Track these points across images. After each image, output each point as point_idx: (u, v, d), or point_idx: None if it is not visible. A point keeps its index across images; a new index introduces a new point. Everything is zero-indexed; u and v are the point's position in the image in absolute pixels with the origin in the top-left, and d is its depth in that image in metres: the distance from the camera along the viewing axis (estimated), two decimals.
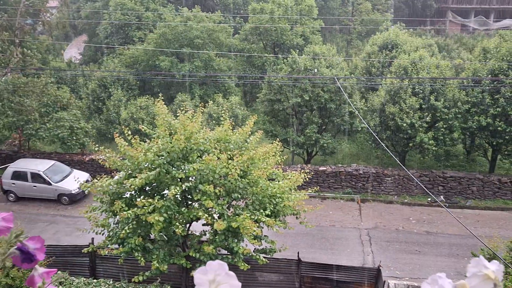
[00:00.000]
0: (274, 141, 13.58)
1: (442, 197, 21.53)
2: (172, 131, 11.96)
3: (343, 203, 21.62)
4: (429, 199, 21.37)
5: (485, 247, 11.00)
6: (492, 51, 21.45)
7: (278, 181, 12.59)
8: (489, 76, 20.54)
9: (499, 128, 20.04)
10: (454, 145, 22.60)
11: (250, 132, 12.88)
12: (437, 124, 20.84)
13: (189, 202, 12.17)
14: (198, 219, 11.72)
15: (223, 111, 14.13)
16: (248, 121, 13.20)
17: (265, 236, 12.51)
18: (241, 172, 11.45)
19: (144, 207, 10.67)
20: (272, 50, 30.16)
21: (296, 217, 13.09)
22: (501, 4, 58.30)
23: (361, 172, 22.01)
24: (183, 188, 11.00)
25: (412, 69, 21.12)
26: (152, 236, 11.82)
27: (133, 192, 11.74)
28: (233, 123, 13.80)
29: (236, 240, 11.56)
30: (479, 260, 1.27)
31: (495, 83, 20.24)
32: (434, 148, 20.68)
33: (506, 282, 10.29)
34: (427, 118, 20.44)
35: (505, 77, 19.95)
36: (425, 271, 16.11)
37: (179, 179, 11.29)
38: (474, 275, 1.22)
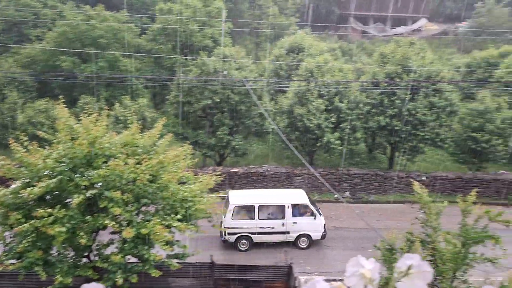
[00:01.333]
0: (184, 144, 13.36)
1: (347, 193, 22.68)
2: (75, 136, 11.26)
3: None
4: (336, 195, 22.39)
5: (385, 238, 11.70)
6: (389, 56, 23.02)
7: (190, 185, 12.39)
8: (387, 79, 22.01)
9: (396, 128, 21.55)
10: (357, 144, 23.89)
11: (159, 135, 12.55)
12: (341, 125, 21.89)
13: (95, 210, 11.54)
14: (105, 227, 11.16)
15: (130, 114, 13.62)
16: (157, 124, 12.85)
17: (177, 241, 12.24)
18: (150, 176, 11.09)
19: (44, 218, 9.92)
20: (181, 51, 29.76)
21: (209, 221, 12.98)
22: (396, 12, 62.91)
23: (272, 172, 22.46)
24: (88, 195, 10.40)
25: (317, 72, 21.98)
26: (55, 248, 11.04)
27: (32, 202, 10.86)
28: (142, 126, 13.36)
29: (146, 247, 11.17)
30: (357, 260, 1.32)
31: (392, 85, 21.74)
32: (339, 147, 21.71)
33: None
34: (333, 119, 21.39)
35: (400, 80, 21.50)
36: (333, 265, 16.81)
37: (83, 187, 10.65)
38: (352, 275, 1.23)
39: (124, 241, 11.13)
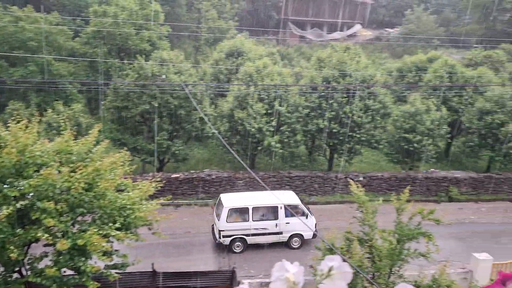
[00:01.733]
0: (122, 150, 12.98)
1: None
2: (2, 144, 10.61)
3: (197, 209, 21.68)
4: None
5: (325, 238, 11.97)
6: (326, 61, 23.65)
7: (128, 192, 12.03)
8: (324, 83, 22.60)
9: (334, 130, 22.17)
10: (298, 147, 24.33)
11: (95, 142, 12.10)
12: (282, 128, 22.19)
13: (27, 222, 10.91)
14: (37, 240, 10.58)
15: (64, 120, 13.04)
16: (92, 130, 12.39)
17: (116, 250, 11.84)
18: (86, 185, 10.66)
19: None
20: (117, 55, 28.93)
21: (149, 228, 12.67)
22: (332, 18, 64.83)
23: (214, 177, 22.34)
24: (18, 207, 9.82)
25: (257, 76, 22.16)
26: None
27: None
28: (76, 133, 12.83)
29: (83, 259, 10.70)
30: (282, 264, 1.33)
31: (329, 89, 22.35)
32: (280, 150, 21.99)
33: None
34: (273, 123, 21.64)
35: (337, 84, 22.15)
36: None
37: (12, 198, 10.05)
38: (277, 279, 1.25)
39: (59, 253, 10.62)
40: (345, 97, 22.15)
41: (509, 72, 32.88)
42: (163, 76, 20.96)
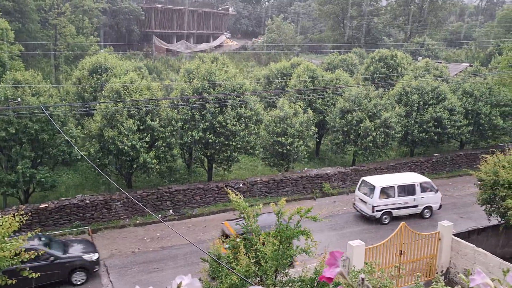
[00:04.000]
0: None
1: (171, 211, 22.49)
2: None
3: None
4: (160, 215, 22.01)
5: (209, 250, 11.87)
6: (194, 72, 23.68)
7: None
8: (195, 94, 22.59)
9: (210, 140, 22.24)
10: (175, 161, 23.91)
11: None
12: (156, 143, 21.64)
13: None
14: None
15: None
16: None
17: None
18: None
19: None
20: None
21: (17, 268, 11.37)
22: (198, 29, 65.45)
23: (88, 201, 20.93)
24: None
25: (125, 92, 21.33)
26: None
27: None
28: None
29: None
30: (180, 278, 1.37)
31: (201, 100, 22.39)
32: (157, 166, 21.40)
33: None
34: (147, 139, 20.98)
35: (208, 95, 22.30)
36: (164, 286, 16.40)
37: None
38: None
39: None
40: (218, 107, 22.38)
41: (361, 73, 36.30)
42: (18, 99, 19.08)
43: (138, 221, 21.69)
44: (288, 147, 24.06)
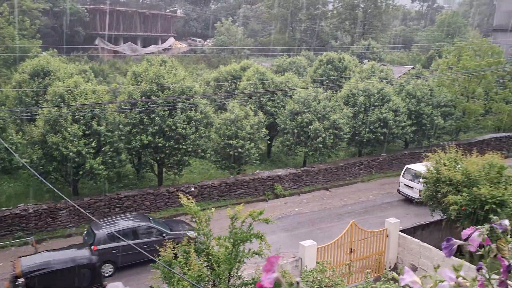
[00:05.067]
0: None
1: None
2: None
3: (15, 250, 19.11)
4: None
5: (161, 255, 11.63)
6: (142, 75, 23.19)
7: None
8: (143, 97, 22.12)
9: (159, 144, 21.84)
10: (123, 166, 23.33)
11: None
12: (103, 148, 21.00)
13: None
14: None
15: None
16: None
17: None
18: None
19: None
20: None
21: None
22: (146, 31, 64.32)
23: (31, 211, 19.98)
24: None
25: (69, 96, 20.56)
26: None
27: None
28: None
29: None
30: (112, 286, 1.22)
31: (149, 103, 21.95)
32: (104, 172, 20.76)
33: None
34: (93, 144, 20.32)
35: (157, 98, 21.89)
36: None
37: None
38: None
39: None
40: (167, 110, 22.03)
41: (310, 75, 36.93)
42: None
43: (85, 229, 20.93)
44: (240, 150, 24.05)
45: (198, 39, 71.69)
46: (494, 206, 15.40)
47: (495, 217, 1.91)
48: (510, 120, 34.45)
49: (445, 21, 72.89)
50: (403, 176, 25.28)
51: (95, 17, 58.12)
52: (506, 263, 1.74)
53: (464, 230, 1.79)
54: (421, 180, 22.50)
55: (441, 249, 1.90)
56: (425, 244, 16.34)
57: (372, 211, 23.98)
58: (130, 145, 21.92)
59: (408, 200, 24.79)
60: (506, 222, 1.84)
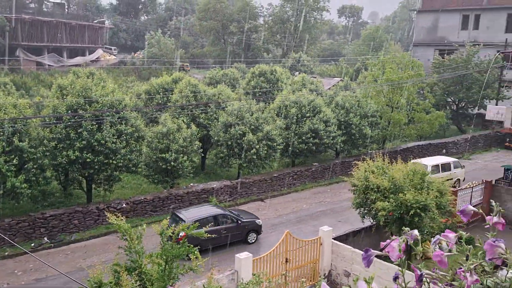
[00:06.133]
0: None
1: (46, 238, 20.66)
2: None
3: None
4: (33, 244, 20.10)
5: (88, 278, 11.07)
6: (68, 88, 22.22)
7: None
8: (69, 111, 21.16)
9: (88, 160, 20.93)
10: (49, 184, 22.08)
11: None
12: (26, 166, 19.78)
13: None
14: None
15: None
16: None
17: None
18: None
19: None
20: None
21: None
22: (72, 42, 61.91)
23: None
24: None
25: None
26: None
27: None
28: None
29: None
30: None
31: (76, 117, 21.03)
32: (28, 190, 19.54)
33: None
34: (15, 161, 19.08)
35: (85, 112, 21.03)
36: None
37: None
38: None
39: None
40: (95, 125, 21.21)
41: (243, 87, 37.25)
42: None
43: (6, 253, 19.54)
44: (173, 163, 23.64)
45: (113, 47, 69.90)
46: (418, 210, 16.25)
47: (406, 228, 1.97)
48: (430, 128, 36.71)
49: (370, 36, 76.70)
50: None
51: (16, 27, 55.08)
52: (419, 272, 1.79)
53: (382, 242, 1.82)
54: (429, 170, 27.15)
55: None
56: (357, 250, 16.85)
57: (306, 220, 24.42)
58: (56, 161, 20.83)
59: None
60: (416, 232, 1.90)
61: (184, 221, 18.54)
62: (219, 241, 19.48)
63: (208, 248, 18.57)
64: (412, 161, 27.82)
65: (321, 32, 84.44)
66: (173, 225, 18.15)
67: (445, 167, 28.82)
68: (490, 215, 1.95)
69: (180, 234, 15.70)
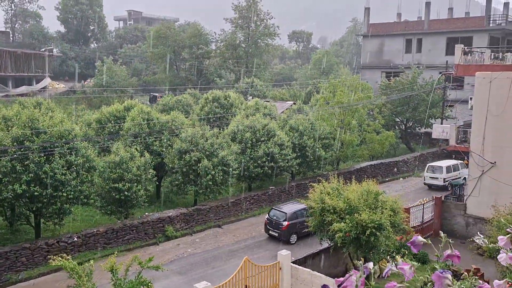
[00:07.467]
0: None
1: None
2: None
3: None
4: None
5: None
6: (13, 119, 21.33)
7: None
8: (15, 143, 20.26)
9: (36, 193, 20.00)
10: None
11: None
12: None
13: None
14: None
15: None
16: None
17: None
18: None
19: None
20: None
21: None
22: (17, 71, 59.93)
23: None
24: None
25: None
26: None
27: None
28: None
29: None
30: None
31: (22, 150, 20.15)
32: None
33: None
34: None
35: (31, 143, 20.20)
36: None
37: None
38: None
39: None
40: (43, 156, 20.38)
41: (197, 113, 37.10)
42: None
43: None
44: (126, 193, 23.01)
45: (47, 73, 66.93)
46: (374, 230, 16.53)
47: (359, 262, 1.96)
48: (381, 148, 37.83)
49: (320, 60, 78.85)
50: (426, 172, 34.32)
51: None
52: None
53: (336, 278, 1.79)
54: (444, 171, 33.43)
55: (331, 276, 1.89)
56: (315, 272, 16.87)
57: (265, 245, 24.28)
58: (1, 196, 19.76)
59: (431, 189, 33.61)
60: (370, 265, 1.89)
61: (285, 213, 23.95)
62: (306, 230, 22.54)
63: (302, 235, 23.75)
64: (428, 164, 35.19)
65: (273, 57, 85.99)
66: (274, 217, 24.41)
67: (455, 167, 34.46)
68: (441, 231, 1.97)
69: (284, 224, 23.52)
